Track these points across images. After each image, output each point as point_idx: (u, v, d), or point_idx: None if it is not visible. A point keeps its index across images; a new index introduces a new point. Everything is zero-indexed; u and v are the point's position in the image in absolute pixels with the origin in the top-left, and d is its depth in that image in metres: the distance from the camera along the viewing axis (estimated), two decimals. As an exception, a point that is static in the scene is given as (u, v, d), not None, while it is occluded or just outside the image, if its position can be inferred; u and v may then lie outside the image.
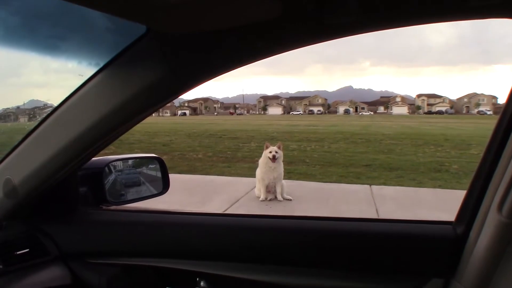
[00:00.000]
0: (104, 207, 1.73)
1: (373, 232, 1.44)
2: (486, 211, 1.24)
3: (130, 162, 1.98)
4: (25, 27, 1.33)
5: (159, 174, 1.90)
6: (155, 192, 1.88)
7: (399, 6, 0.94)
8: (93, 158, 1.55)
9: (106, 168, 1.74)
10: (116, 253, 1.60)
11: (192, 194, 8.15)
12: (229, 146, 16.80)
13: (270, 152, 7.87)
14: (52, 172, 1.35)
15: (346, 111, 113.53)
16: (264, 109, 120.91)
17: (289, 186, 8.26)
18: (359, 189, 8.87)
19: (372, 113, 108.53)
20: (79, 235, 1.63)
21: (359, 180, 10.10)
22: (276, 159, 7.83)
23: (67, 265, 1.57)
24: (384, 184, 9.52)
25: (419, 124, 39.70)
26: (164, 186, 1.89)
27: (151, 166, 1.97)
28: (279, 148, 8.01)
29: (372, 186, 9.09)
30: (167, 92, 1.16)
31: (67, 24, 1.25)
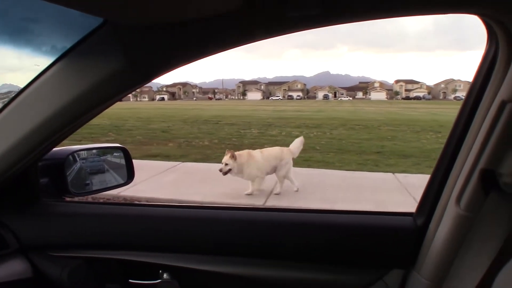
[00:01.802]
0: (67, 199, 1.71)
1: (334, 223, 1.46)
2: (445, 204, 1.28)
3: (93, 152, 1.92)
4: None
5: (123, 163, 1.86)
6: (119, 182, 1.85)
7: (361, 0, 0.95)
8: (54, 149, 1.53)
9: (69, 158, 1.69)
10: (79, 246, 1.59)
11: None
12: (230, 133, 16.48)
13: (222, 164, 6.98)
14: (10, 163, 1.31)
15: (325, 97, 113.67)
16: (244, 94, 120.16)
17: (316, 175, 8.11)
18: (385, 178, 8.76)
19: (351, 98, 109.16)
20: (40, 227, 1.60)
21: (379, 167, 10.01)
22: (226, 173, 6.93)
23: (28, 258, 1.54)
24: (405, 172, 9.43)
25: (402, 109, 40.14)
26: (128, 176, 1.85)
27: (115, 155, 1.93)
28: (232, 157, 6.91)
29: (396, 174, 8.99)
30: (126, 83, 1.15)
31: (26, 10, 1.27)
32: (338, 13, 0.98)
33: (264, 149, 7.77)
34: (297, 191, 7.41)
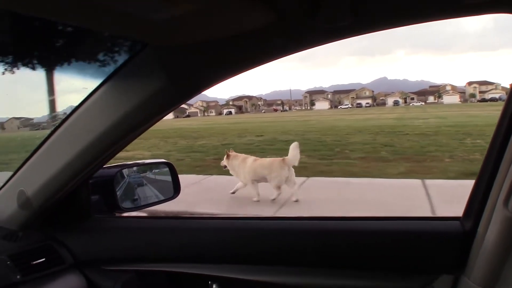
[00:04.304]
0: (117, 214, 1.78)
1: (381, 230, 1.46)
2: (493, 206, 1.24)
3: (140, 168, 2.00)
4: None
5: (169, 179, 1.91)
6: (166, 197, 1.90)
7: (393, 7, 0.94)
8: (104, 166, 1.59)
9: (118, 175, 1.76)
10: (130, 259, 1.65)
11: None
12: (431, 144, 15.90)
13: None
14: (63, 182, 1.38)
15: (396, 103, 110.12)
16: (312, 104, 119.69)
17: None
18: None
19: (423, 103, 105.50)
20: (93, 242, 1.68)
21: None
22: (225, 167, 8.18)
23: (83, 272, 1.61)
24: None
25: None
26: (175, 190, 1.90)
27: (162, 171, 1.99)
28: (227, 157, 8.04)
29: None
30: (168, 102, 1.20)
31: (77, 36, 1.40)
32: (370, 22, 0.99)
33: (262, 158, 8.18)
34: (296, 201, 7.47)
